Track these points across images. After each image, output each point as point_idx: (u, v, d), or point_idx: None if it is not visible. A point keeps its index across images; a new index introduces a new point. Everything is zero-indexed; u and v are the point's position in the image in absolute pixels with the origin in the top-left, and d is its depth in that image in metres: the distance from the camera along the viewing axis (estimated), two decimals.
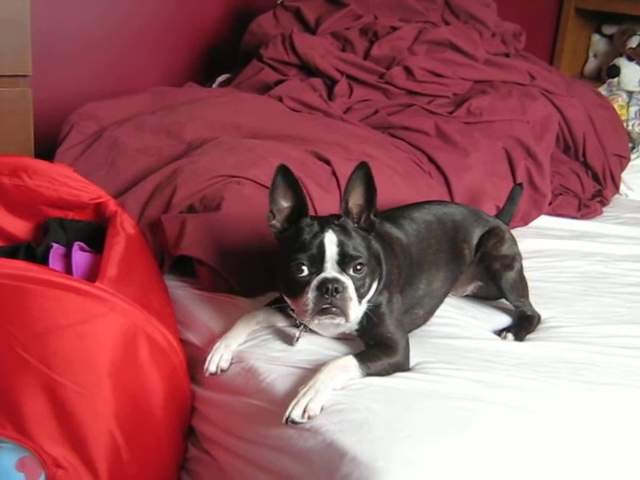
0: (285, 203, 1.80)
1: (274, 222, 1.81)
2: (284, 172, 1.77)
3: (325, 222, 1.76)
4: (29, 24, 2.39)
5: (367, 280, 1.75)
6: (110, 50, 3.50)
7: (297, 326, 1.87)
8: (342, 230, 1.74)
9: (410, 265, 1.96)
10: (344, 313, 1.69)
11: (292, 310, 1.81)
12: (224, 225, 2.13)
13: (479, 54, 3.24)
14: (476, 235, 2.17)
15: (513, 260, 2.16)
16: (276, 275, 1.81)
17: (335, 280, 1.68)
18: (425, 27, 3.26)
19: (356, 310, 1.72)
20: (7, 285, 1.66)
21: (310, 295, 1.69)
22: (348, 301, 1.69)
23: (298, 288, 1.71)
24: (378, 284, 1.82)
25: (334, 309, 1.69)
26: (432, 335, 2.00)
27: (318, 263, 1.70)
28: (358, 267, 1.71)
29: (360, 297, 1.74)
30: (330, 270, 1.70)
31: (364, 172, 1.74)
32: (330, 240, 1.71)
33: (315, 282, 1.69)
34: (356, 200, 1.78)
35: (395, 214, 2.09)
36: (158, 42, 3.63)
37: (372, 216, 1.78)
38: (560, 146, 3.22)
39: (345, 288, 1.69)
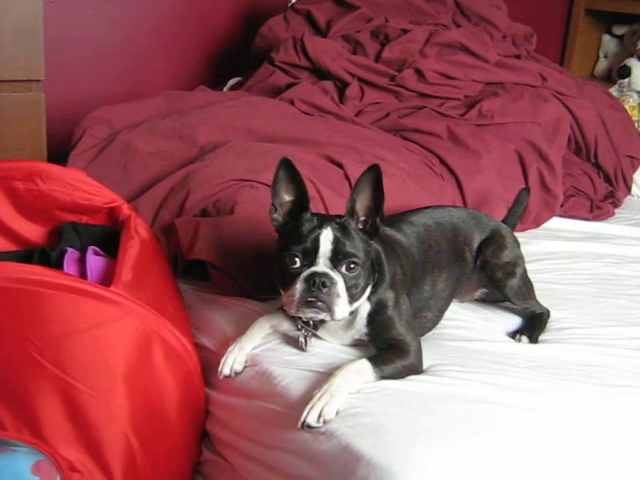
0: (287, 197, 1.81)
1: (275, 215, 1.82)
2: (287, 166, 1.78)
3: (326, 219, 1.77)
4: (42, 29, 2.40)
5: (360, 281, 1.74)
6: (122, 54, 3.50)
7: (299, 329, 1.87)
8: (341, 228, 1.74)
9: (413, 266, 1.96)
10: (329, 309, 1.69)
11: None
12: (237, 229, 2.13)
13: (490, 56, 3.24)
14: (476, 239, 2.16)
15: (515, 266, 2.15)
16: (272, 266, 1.82)
17: (324, 274, 1.68)
18: (436, 29, 3.26)
19: (343, 308, 1.71)
20: (22, 290, 1.67)
21: (298, 286, 1.69)
22: (334, 297, 1.69)
23: (289, 279, 1.72)
24: (377, 286, 1.81)
25: (319, 303, 1.69)
26: (445, 338, 2.00)
27: (311, 257, 1.71)
28: (351, 266, 1.71)
29: (352, 298, 1.73)
30: (322, 265, 1.70)
31: (375, 175, 1.73)
32: (326, 236, 1.71)
33: (304, 274, 1.70)
34: (364, 202, 1.77)
35: (393, 219, 2.09)
36: (169, 46, 3.63)
37: (378, 221, 1.78)
38: (572, 148, 3.21)
39: (333, 284, 1.69)
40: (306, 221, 1.76)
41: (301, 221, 1.76)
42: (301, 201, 1.79)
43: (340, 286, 1.70)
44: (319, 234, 1.71)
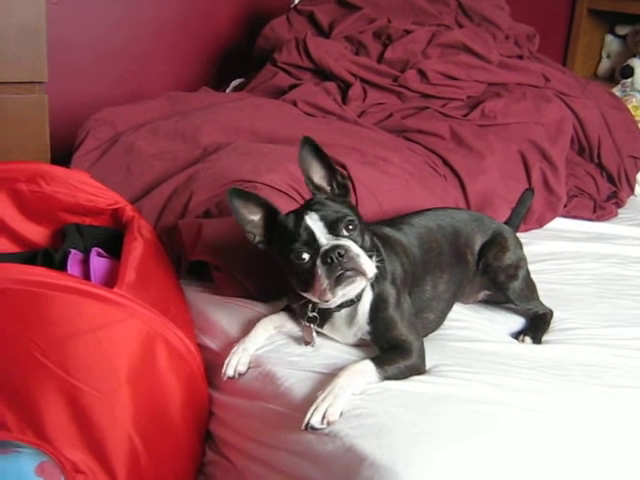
0: (255, 217, 1.83)
1: (258, 239, 1.84)
2: (238, 195, 1.80)
3: (300, 209, 1.79)
4: (44, 31, 2.40)
5: (366, 237, 1.76)
6: (125, 56, 3.51)
7: (307, 323, 1.88)
8: (319, 205, 1.76)
9: (413, 265, 1.96)
10: (359, 270, 1.69)
11: (303, 308, 1.85)
12: (241, 230, 2.13)
13: (493, 56, 3.23)
14: (478, 241, 2.16)
15: (517, 268, 2.15)
16: (287, 281, 1.82)
17: (334, 247, 1.69)
18: (439, 30, 3.26)
19: (369, 263, 1.71)
20: (26, 291, 1.67)
21: (320, 273, 1.69)
22: (356, 258, 1.69)
23: (309, 275, 1.72)
24: (378, 277, 1.80)
25: (348, 272, 1.68)
26: (449, 338, 2.00)
27: (312, 244, 1.72)
28: (350, 226, 1.72)
29: (367, 251, 1.73)
30: (326, 242, 1.71)
31: (310, 146, 1.77)
32: (312, 219, 1.73)
33: (319, 260, 1.70)
34: (319, 173, 1.81)
35: (394, 221, 2.11)
36: (172, 48, 3.64)
37: (339, 178, 1.81)
38: (575, 148, 3.21)
39: (347, 249, 1.69)
40: (286, 221, 1.78)
41: (281, 225, 1.78)
42: (269, 212, 1.82)
43: (354, 247, 1.70)
44: (305, 222, 1.73)
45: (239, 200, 1.80)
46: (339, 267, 1.68)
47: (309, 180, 1.81)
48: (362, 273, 1.69)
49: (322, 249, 1.70)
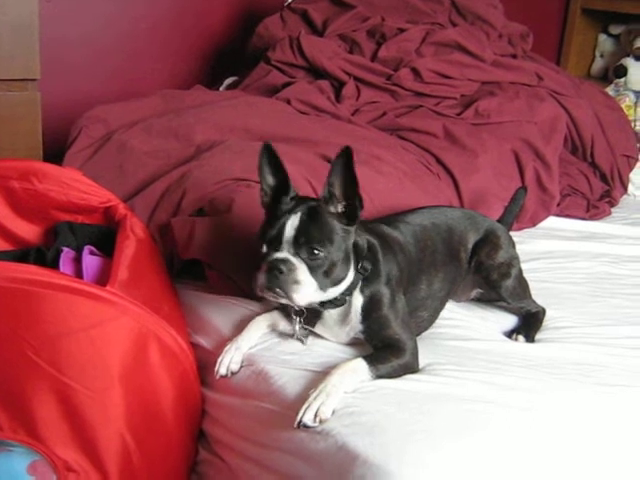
0: (270, 180, 1.84)
1: (266, 199, 1.84)
2: (269, 150, 1.81)
3: (300, 204, 1.77)
4: (37, 28, 2.39)
5: (333, 268, 1.74)
6: (117, 54, 3.50)
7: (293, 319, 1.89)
8: (311, 214, 1.74)
9: (409, 264, 1.96)
10: (287, 294, 1.71)
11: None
12: (234, 228, 2.13)
13: (486, 55, 3.24)
14: (471, 239, 2.16)
15: (509, 267, 2.15)
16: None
17: (282, 260, 1.70)
18: (432, 29, 3.26)
19: (304, 294, 1.72)
20: (18, 289, 1.66)
21: (262, 272, 1.72)
22: (291, 283, 1.70)
23: (259, 263, 1.74)
24: (370, 279, 1.82)
25: (277, 289, 1.71)
26: (442, 337, 2.00)
27: (276, 244, 1.73)
28: (314, 252, 1.71)
29: (326, 284, 1.73)
30: (284, 251, 1.72)
31: (346, 158, 1.72)
32: (292, 222, 1.73)
33: (266, 261, 1.72)
34: (341, 187, 1.76)
35: (390, 218, 2.11)
36: (165, 45, 3.63)
37: (357, 204, 1.76)
38: (568, 147, 3.21)
39: (291, 270, 1.70)
40: (283, 205, 1.78)
41: (278, 206, 1.78)
42: (283, 185, 1.81)
43: (301, 272, 1.70)
44: (286, 220, 1.73)
45: (266, 157, 1.81)
46: (275, 279, 1.70)
47: (329, 186, 1.75)
48: (289, 297, 1.71)
49: (275, 255, 1.72)
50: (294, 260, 1.71)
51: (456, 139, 2.87)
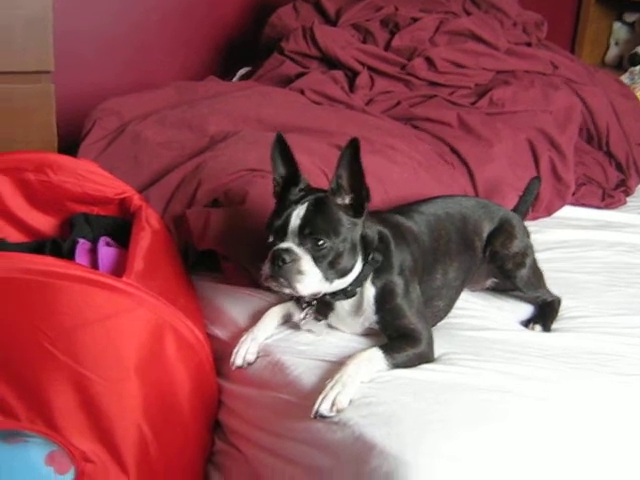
0: (282, 171, 1.85)
1: (277, 189, 1.86)
2: (281, 141, 1.82)
3: (308, 195, 1.78)
4: (51, 21, 2.40)
5: (339, 259, 1.74)
6: (131, 45, 3.51)
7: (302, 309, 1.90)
8: (317, 204, 1.75)
9: (424, 253, 1.96)
10: (290, 284, 1.72)
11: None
12: (249, 219, 2.12)
13: (501, 44, 3.22)
14: (485, 228, 2.16)
15: (524, 256, 2.14)
16: None
17: (286, 250, 1.71)
18: (446, 17, 3.25)
19: (308, 284, 1.73)
20: (34, 281, 1.67)
21: (267, 261, 1.73)
22: (295, 273, 1.71)
23: (265, 252, 1.76)
24: (382, 270, 1.82)
25: (280, 279, 1.72)
26: (458, 327, 2.00)
27: (281, 234, 1.74)
28: (319, 243, 1.72)
29: (331, 275, 1.74)
30: (289, 241, 1.73)
31: (353, 150, 1.72)
32: (298, 212, 1.74)
33: (272, 250, 1.74)
34: (349, 178, 1.76)
35: (404, 208, 2.11)
36: (178, 36, 3.63)
37: (364, 196, 1.76)
38: (583, 136, 3.19)
39: (295, 260, 1.71)
40: (291, 195, 1.79)
41: (286, 196, 1.80)
42: (294, 176, 1.83)
43: (304, 262, 1.71)
44: (293, 210, 1.74)
45: (278, 148, 1.83)
46: (278, 269, 1.71)
47: (338, 177, 1.75)
48: (292, 287, 1.72)
49: (279, 245, 1.73)
50: (298, 250, 1.72)
51: (471, 128, 2.86)
